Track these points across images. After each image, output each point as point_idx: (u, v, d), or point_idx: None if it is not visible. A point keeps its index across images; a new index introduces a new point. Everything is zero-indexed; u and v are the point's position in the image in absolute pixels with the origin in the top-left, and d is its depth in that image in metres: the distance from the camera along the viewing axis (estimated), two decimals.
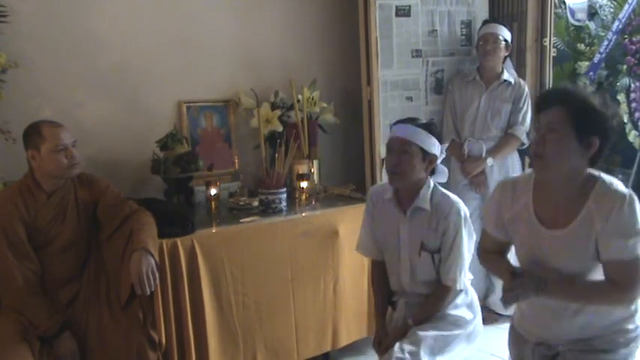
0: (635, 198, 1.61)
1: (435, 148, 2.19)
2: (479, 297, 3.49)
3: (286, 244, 2.69)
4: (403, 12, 3.34)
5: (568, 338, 1.76)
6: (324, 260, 2.79)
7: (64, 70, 2.84)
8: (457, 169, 3.41)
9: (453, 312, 2.26)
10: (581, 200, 1.65)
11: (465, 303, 2.31)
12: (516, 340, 1.93)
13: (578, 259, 1.68)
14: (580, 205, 1.65)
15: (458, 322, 2.25)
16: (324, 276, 2.79)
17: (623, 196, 1.61)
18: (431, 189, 2.23)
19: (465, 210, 2.22)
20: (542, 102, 1.69)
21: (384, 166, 2.24)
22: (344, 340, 2.89)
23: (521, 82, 3.39)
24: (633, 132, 3.90)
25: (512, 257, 1.96)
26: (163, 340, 2.32)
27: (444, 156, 2.26)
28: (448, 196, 2.23)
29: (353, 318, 2.90)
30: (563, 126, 1.62)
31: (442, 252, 2.21)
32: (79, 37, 2.87)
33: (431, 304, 2.25)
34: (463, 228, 2.19)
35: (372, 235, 2.36)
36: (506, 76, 3.36)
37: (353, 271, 2.88)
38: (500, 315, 3.49)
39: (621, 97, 3.92)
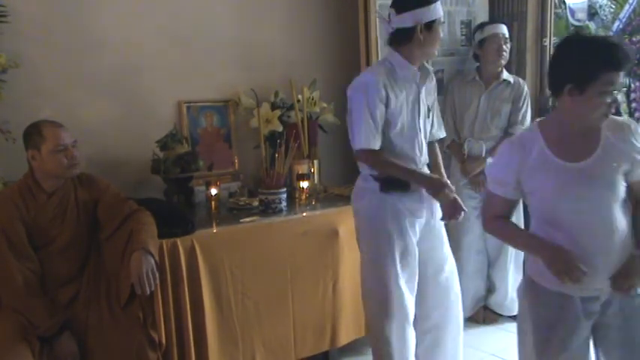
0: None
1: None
2: (479, 297, 3.51)
3: (286, 244, 2.69)
4: None
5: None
6: (323, 260, 2.79)
7: (64, 70, 2.84)
8: (457, 168, 3.41)
9: None
10: (595, 132, 1.76)
11: None
12: (554, 302, 1.83)
13: (610, 185, 1.74)
14: (597, 136, 1.76)
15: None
16: (323, 276, 2.80)
17: (629, 121, 1.80)
18: None
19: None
20: (621, 62, 1.67)
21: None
22: (343, 340, 2.89)
23: (521, 81, 3.39)
24: None
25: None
26: (163, 340, 2.32)
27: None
28: None
29: (352, 318, 2.90)
30: None
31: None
32: (79, 37, 2.87)
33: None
34: None
35: (378, 123, 2.40)
36: (505, 75, 3.35)
37: (353, 271, 2.87)
38: (500, 315, 3.49)
39: (621, 97, 3.92)
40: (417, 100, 2.48)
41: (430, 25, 2.36)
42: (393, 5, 2.40)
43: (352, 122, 2.44)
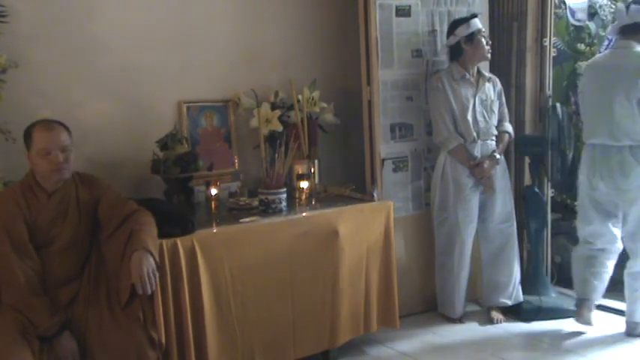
0: None
1: None
2: (484, 296, 3.47)
3: (286, 244, 2.69)
4: (403, 12, 3.35)
5: None
6: (323, 260, 2.78)
7: (64, 70, 2.84)
8: (461, 173, 3.26)
9: None
10: None
11: None
12: None
13: None
14: None
15: None
16: (323, 276, 2.79)
17: None
18: None
19: None
20: None
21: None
22: (342, 339, 2.88)
23: (494, 76, 3.39)
24: None
25: None
26: (163, 340, 2.32)
27: None
28: None
29: (351, 318, 2.90)
30: None
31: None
32: (79, 37, 2.87)
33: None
34: None
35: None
36: (486, 71, 3.33)
37: (352, 271, 2.88)
38: (503, 315, 3.42)
39: None
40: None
41: None
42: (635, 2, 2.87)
43: None
